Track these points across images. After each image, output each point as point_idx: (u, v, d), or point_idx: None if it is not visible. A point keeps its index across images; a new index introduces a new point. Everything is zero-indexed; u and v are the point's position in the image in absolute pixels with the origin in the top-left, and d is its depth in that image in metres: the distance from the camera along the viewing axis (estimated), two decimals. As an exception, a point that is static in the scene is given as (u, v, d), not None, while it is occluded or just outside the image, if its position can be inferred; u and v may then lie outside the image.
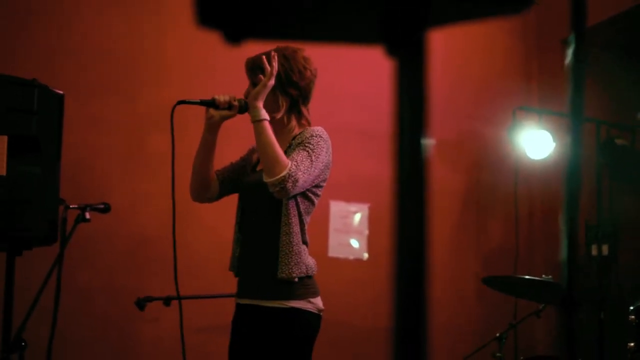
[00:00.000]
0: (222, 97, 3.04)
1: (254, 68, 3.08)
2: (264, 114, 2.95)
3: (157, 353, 4.57)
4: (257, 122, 2.94)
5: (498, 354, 4.26)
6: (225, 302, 3.22)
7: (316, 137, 2.99)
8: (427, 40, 0.69)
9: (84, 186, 4.47)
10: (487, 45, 5.86)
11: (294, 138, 3.09)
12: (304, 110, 3.14)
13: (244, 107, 3.07)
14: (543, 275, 4.03)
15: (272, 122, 3.09)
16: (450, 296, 5.38)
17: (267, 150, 2.89)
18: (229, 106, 3.04)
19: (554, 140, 5.28)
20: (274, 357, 2.94)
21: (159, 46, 4.88)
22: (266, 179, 2.89)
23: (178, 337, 3.14)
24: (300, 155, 2.93)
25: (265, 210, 3.03)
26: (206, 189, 3.19)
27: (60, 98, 3.01)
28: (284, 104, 3.08)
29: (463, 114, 5.68)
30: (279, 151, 2.90)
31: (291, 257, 2.95)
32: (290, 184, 2.86)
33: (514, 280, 4.32)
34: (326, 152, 3.02)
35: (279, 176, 2.85)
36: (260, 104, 2.96)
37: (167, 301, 3.78)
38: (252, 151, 3.34)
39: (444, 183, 5.42)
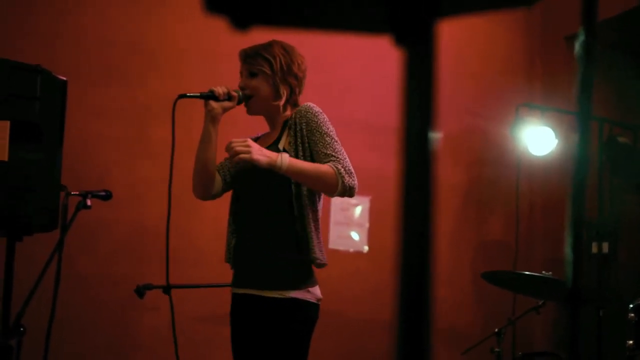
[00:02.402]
0: (220, 89, 3.06)
1: (254, 55, 3.10)
2: (283, 153, 2.89)
3: (155, 341, 4.57)
4: (285, 165, 2.86)
5: (496, 349, 4.27)
6: (227, 291, 3.22)
7: (319, 114, 3.00)
8: (437, 30, 0.68)
9: (85, 173, 4.47)
10: (491, 41, 5.84)
11: (286, 121, 3.08)
12: (299, 101, 3.17)
13: (242, 97, 3.09)
14: (543, 272, 4.02)
15: (270, 108, 3.12)
16: (450, 291, 5.38)
17: (312, 175, 2.88)
18: (229, 97, 3.06)
19: (557, 137, 5.27)
20: (274, 347, 2.94)
21: (162, 34, 4.87)
22: (331, 195, 2.93)
23: (177, 326, 3.15)
24: (328, 148, 2.93)
25: (264, 197, 3.02)
26: (211, 184, 3.17)
27: (64, 84, 3.01)
28: (284, 92, 3.10)
29: (466, 109, 5.67)
30: (317, 167, 2.89)
31: (318, 240, 2.98)
32: (348, 178, 2.89)
33: (514, 275, 4.31)
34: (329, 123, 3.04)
35: (336, 184, 2.88)
36: (269, 155, 2.86)
37: (166, 289, 3.77)
38: None
39: (445, 178, 5.42)
